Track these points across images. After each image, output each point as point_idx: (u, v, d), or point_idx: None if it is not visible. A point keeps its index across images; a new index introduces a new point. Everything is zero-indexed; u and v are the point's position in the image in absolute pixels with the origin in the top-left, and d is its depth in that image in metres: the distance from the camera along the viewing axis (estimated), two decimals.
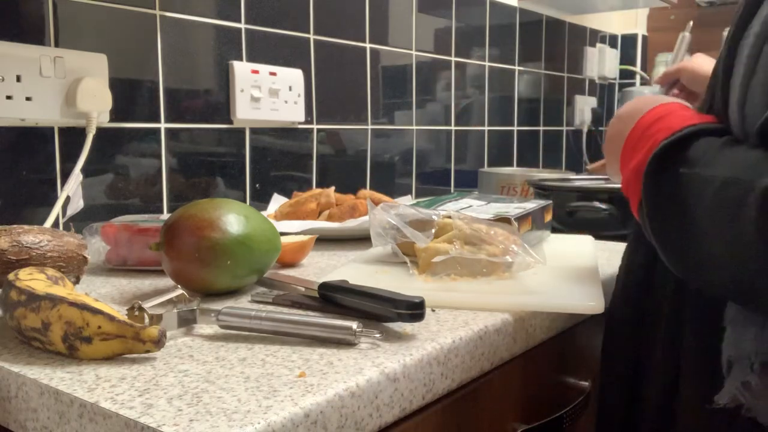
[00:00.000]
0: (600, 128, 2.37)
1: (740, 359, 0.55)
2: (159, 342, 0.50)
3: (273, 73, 1.23)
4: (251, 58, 1.21)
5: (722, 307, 0.56)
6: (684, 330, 0.61)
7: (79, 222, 0.96)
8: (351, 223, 1.00)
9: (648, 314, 0.66)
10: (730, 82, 0.54)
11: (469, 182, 1.75)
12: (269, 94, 1.23)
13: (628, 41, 2.56)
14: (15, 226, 0.65)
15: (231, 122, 1.19)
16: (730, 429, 0.56)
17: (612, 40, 2.49)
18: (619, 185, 0.64)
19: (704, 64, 1.02)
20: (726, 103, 0.55)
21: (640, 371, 0.67)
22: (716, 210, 0.50)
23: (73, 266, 0.66)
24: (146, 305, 0.55)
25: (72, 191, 0.94)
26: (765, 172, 0.47)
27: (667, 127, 0.57)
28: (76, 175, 0.95)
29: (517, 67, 1.97)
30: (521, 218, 0.86)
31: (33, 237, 0.64)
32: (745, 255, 0.48)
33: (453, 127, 1.75)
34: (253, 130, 1.23)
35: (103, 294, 0.71)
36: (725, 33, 0.60)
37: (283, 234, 0.81)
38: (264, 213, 1.03)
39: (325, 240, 1.00)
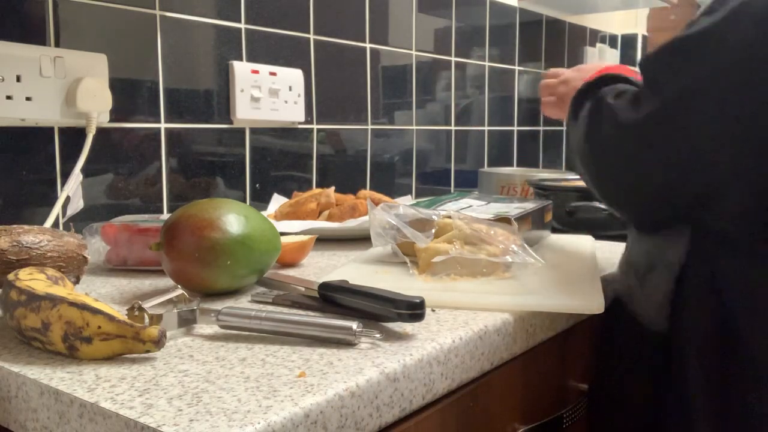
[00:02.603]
0: None
1: (628, 265, 0.76)
2: (159, 342, 0.50)
3: (273, 73, 1.23)
4: (251, 58, 1.21)
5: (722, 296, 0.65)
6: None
7: (79, 222, 0.96)
8: (351, 223, 1.00)
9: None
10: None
11: (469, 182, 1.75)
12: (269, 94, 1.23)
13: (628, 41, 2.56)
14: (15, 226, 0.65)
15: (231, 122, 1.19)
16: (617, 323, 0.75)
17: (612, 40, 2.49)
18: None
19: None
20: None
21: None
22: (585, 118, 0.72)
23: (73, 266, 0.66)
24: (146, 305, 0.55)
25: (72, 191, 0.94)
26: (616, 94, 0.69)
27: (598, 72, 0.78)
28: (76, 175, 0.95)
29: (517, 67, 1.97)
30: (521, 218, 0.86)
31: (33, 237, 0.64)
32: (580, 155, 0.74)
33: (453, 127, 1.75)
34: (253, 130, 1.23)
35: (103, 294, 0.71)
36: None
37: (283, 234, 0.82)
38: (264, 213, 1.03)
39: (325, 240, 1.00)
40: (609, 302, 0.70)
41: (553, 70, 0.96)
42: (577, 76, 0.86)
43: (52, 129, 0.95)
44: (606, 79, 0.75)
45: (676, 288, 0.66)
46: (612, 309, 0.72)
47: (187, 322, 0.57)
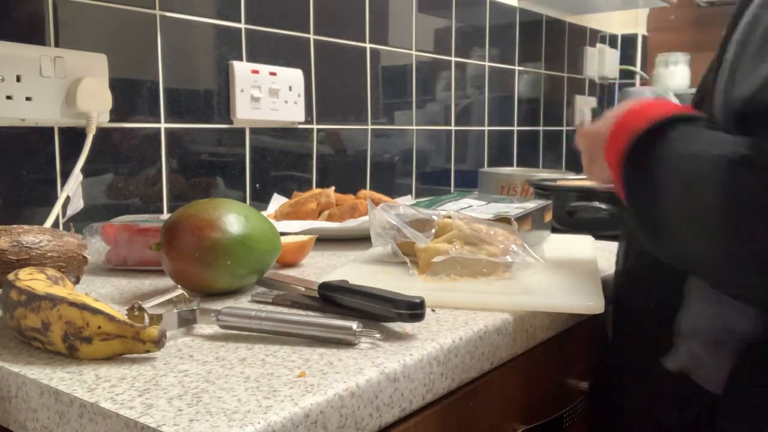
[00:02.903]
0: None
1: (694, 333, 0.61)
2: (159, 342, 0.50)
3: (273, 73, 1.23)
4: (251, 58, 1.21)
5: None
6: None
7: (79, 222, 0.96)
8: (351, 223, 1.00)
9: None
10: (718, 76, 0.57)
11: (469, 182, 1.75)
12: (269, 94, 1.23)
13: (628, 41, 2.56)
14: (15, 226, 0.65)
15: (231, 122, 1.19)
16: (675, 389, 0.63)
17: (612, 40, 2.49)
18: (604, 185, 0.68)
19: None
20: (712, 97, 0.58)
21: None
22: (679, 181, 0.53)
23: (73, 266, 0.66)
24: (146, 305, 0.55)
25: (72, 191, 0.94)
26: (729, 146, 0.50)
27: (649, 117, 0.59)
28: (76, 175, 0.95)
29: (517, 67, 1.97)
30: (521, 218, 0.86)
31: (33, 237, 0.64)
32: (702, 226, 0.51)
33: (453, 127, 1.74)
34: (253, 130, 1.23)
35: (103, 294, 0.71)
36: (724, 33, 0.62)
37: (283, 234, 0.81)
38: (264, 213, 1.03)
39: (325, 240, 1.00)
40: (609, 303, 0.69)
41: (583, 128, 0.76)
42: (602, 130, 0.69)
43: (52, 129, 0.95)
44: (658, 129, 0.57)
45: (742, 357, 0.58)
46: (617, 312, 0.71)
47: (187, 322, 0.57)
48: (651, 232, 0.58)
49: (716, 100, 0.57)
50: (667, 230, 0.56)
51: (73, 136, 0.96)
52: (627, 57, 2.55)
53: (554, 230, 1.05)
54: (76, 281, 0.68)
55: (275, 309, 0.63)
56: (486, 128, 1.87)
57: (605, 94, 2.49)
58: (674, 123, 0.56)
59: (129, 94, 1.04)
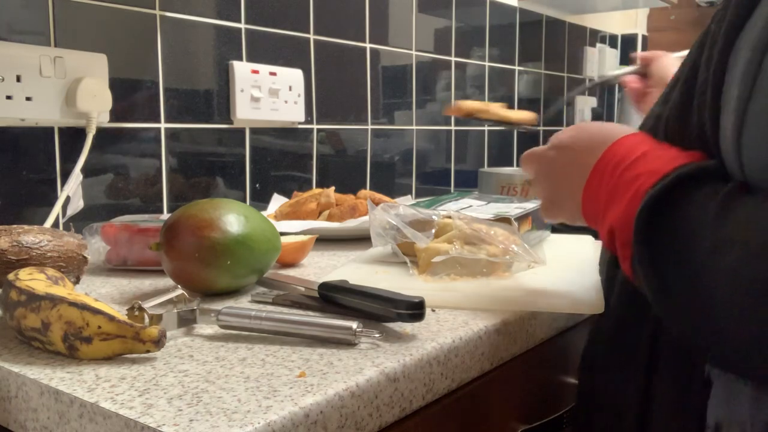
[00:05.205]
0: None
1: (732, 423, 0.49)
2: (159, 342, 0.50)
3: (273, 73, 1.23)
4: (251, 58, 1.21)
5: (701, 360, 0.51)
6: (658, 378, 0.55)
7: (79, 222, 0.96)
8: (351, 223, 1.00)
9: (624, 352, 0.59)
10: (722, 103, 0.47)
11: (469, 182, 1.75)
12: (269, 94, 1.23)
13: (628, 41, 2.56)
14: (15, 226, 0.65)
15: (231, 122, 1.19)
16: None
17: (612, 40, 2.49)
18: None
19: (672, 64, 1.02)
20: (716, 125, 0.48)
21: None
22: (739, 288, 0.42)
23: (73, 266, 0.66)
24: (146, 305, 0.55)
25: (72, 191, 0.94)
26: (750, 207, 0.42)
27: (651, 170, 0.49)
28: (76, 175, 0.95)
29: (517, 67, 1.97)
30: (521, 218, 0.86)
31: (33, 237, 0.64)
32: None
33: (453, 127, 1.74)
34: (253, 130, 1.23)
35: (103, 294, 0.71)
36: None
37: (283, 234, 0.81)
38: (264, 213, 1.03)
39: (325, 240, 1.00)
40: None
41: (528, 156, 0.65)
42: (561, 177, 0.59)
43: (52, 129, 0.95)
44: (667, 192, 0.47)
45: None
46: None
47: (187, 322, 0.57)
48: (688, 326, 0.48)
49: (725, 131, 0.47)
50: (716, 331, 0.45)
51: (73, 136, 0.96)
52: (627, 57, 2.54)
53: (554, 230, 1.05)
54: (76, 281, 0.68)
55: (275, 309, 0.63)
56: (486, 128, 1.87)
57: (605, 94, 2.49)
58: (690, 180, 0.46)
59: (129, 94, 1.04)
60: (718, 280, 0.42)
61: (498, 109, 1.16)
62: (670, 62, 1.04)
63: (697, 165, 0.47)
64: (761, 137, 0.44)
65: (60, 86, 0.93)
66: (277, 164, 1.28)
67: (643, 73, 1.07)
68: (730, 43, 0.48)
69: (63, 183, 0.95)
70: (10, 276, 0.56)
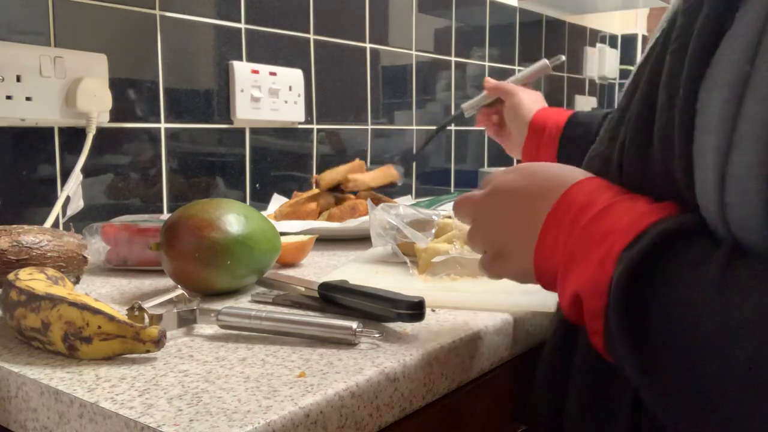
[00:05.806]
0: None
1: None
2: (159, 342, 0.50)
3: (273, 73, 1.23)
4: (251, 58, 1.21)
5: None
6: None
7: (79, 222, 0.96)
8: (351, 223, 1.00)
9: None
10: (695, 152, 0.40)
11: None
12: (269, 94, 1.23)
13: (628, 41, 2.56)
14: (15, 226, 0.65)
15: (231, 122, 1.19)
16: None
17: (612, 40, 2.49)
18: None
19: (527, 101, 1.02)
20: (689, 176, 0.41)
21: None
22: (764, 380, 0.34)
23: (73, 266, 0.66)
24: (146, 305, 0.55)
25: (72, 191, 0.94)
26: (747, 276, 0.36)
27: (622, 227, 0.42)
28: (76, 175, 0.95)
29: (517, 67, 1.97)
30: None
31: (33, 237, 0.64)
32: None
33: (453, 127, 1.74)
34: (253, 130, 1.23)
35: (103, 294, 0.71)
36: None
37: (283, 234, 0.82)
38: (264, 213, 1.03)
39: (325, 240, 1.00)
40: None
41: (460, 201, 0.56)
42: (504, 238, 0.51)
43: (52, 129, 0.95)
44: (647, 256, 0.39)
45: None
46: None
47: (187, 322, 0.57)
48: (665, 395, 0.40)
49: (703, 184, 0.40)
50: (710, 410, 0.38)
51: (73, 136, 0.96)
52: (627, 57, 2.55)
53: None
54: (76, 281, 0.68)
55: (275, 309, 0.63)
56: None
57: (605, 94, 2.49)
58: (671, 242, 0.39)
59: (129, 94, 1.04)
60: (732, 371, 0.35)
61: (363, 177, 1.11)
62: (522, 102, 1.03)
63: (676, 221, 0.40)
64: (748, 195, 0.37)
65: (60, 86, 0.93)
66: (277, 164, 1.28)
67: (494, 102, 1.10)
68: (698, 78, 0.40)
69: (63, 183, 0.95)
70: (10, 276, 0.56)
